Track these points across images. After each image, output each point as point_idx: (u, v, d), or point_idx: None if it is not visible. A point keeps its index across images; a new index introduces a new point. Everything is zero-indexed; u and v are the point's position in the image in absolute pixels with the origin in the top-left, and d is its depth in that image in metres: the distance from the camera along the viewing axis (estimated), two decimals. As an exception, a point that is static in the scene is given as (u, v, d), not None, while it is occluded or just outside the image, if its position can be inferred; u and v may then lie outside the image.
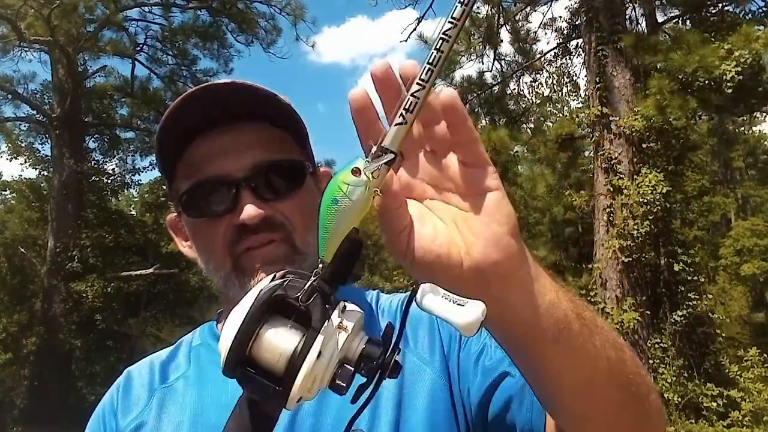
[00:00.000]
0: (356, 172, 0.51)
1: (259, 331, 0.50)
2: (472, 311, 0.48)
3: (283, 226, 0.85)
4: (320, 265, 0.51)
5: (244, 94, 0.86)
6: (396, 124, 0.52)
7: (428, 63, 0.52)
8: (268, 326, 0.50)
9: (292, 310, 0.50)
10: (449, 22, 0.52)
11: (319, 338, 0.49)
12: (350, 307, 0.53)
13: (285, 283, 0.52)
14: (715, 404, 8.19)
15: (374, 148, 0.52)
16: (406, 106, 0.52)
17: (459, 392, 0.85)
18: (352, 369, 0.50)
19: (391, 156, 0.52)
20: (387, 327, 0.52)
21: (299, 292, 0.50)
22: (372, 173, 0.51)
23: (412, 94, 0.51)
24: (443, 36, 0.52)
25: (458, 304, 0.49)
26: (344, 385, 0.49)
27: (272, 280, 0.53)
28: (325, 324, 0.49)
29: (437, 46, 0.52)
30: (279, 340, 0.50)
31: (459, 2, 0.52)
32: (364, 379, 0.51)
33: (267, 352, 0.50)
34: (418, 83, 0.51)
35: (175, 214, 0.95)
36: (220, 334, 0.94)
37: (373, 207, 0.53)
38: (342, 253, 0.52)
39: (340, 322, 0.50)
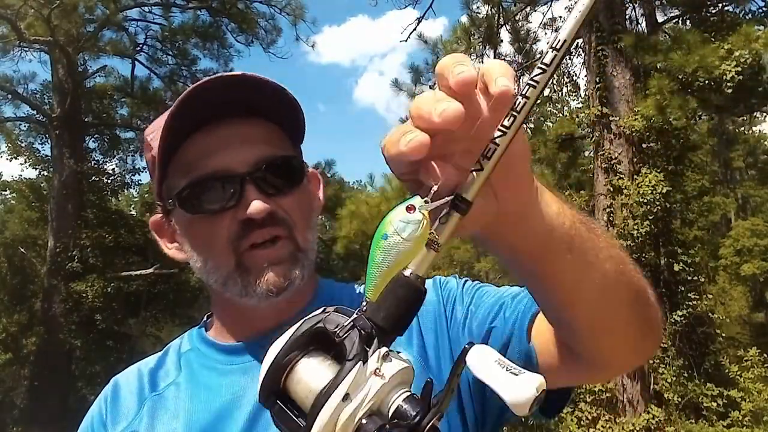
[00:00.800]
0: (411, 209, 0.47)
1: (296, 363, 0.48)
2: (526, 387, 0.43)
3: (285, 221, 0.84)
4: (364, 303, 0.48)
5: (250, 88, 0.83)
6: (473, 170, 0.49)
7: (512, 110, 0.48)
8: (306, 359, 0.48)
9: (334, 346, 0.48)
10: (539, 67, 0.48)
11: (348, 378, 0.45)
12: (396, 357, 0.47)
13: (327, 317, 0.49)
14: (715, 404, 8.19)
15: (435, 187, 0.48)
16: (486, 153, 0.48)
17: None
18: (380, 423, 0.44)
19: (462, 206, 0.48)
20: (426, 385, 0.47)
21: (340, 327, 0.47)
22: (428, 212, 0.47)
23: (492, 141, 0.48)
24: (531, 82, 0.48)
25: (512, 373, 0.44)
26: None
27: (322, 312, 0.50)
28: (358, 365, 0.45)
29: (524, 92, 0.48)
30: (312, 375, 0.47)
31: (551, 48, 0.48)
32: None
33: (299, 386, 0.48)
34: (500, 129, 0.48)
35: (160, 215, 0.92)
36: (211, 340, 0.93)
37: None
38: (399, 298, 0.48)
39: (377, 368, 0.46)
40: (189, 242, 0.88)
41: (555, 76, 0.49)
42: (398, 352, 0.48)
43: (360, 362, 0.45)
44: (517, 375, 0.44)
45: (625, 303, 0.67)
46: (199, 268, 0.87)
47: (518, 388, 0.43)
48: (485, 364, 0.46)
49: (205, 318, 1.00)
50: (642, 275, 0.70)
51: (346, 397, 0.45)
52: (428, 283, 0.95)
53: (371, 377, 0.45)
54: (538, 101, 0.50)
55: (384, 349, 0.47)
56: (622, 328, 0.69)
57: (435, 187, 0.48)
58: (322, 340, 0.48)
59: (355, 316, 0.47)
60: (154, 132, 0.87)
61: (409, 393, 0.46)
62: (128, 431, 0.87)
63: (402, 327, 0.49)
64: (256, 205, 0.80)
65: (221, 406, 0.83)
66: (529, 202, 0.58)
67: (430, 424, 0.44)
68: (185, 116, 0.81)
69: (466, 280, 0.94)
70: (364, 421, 0.44)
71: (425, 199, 0.48)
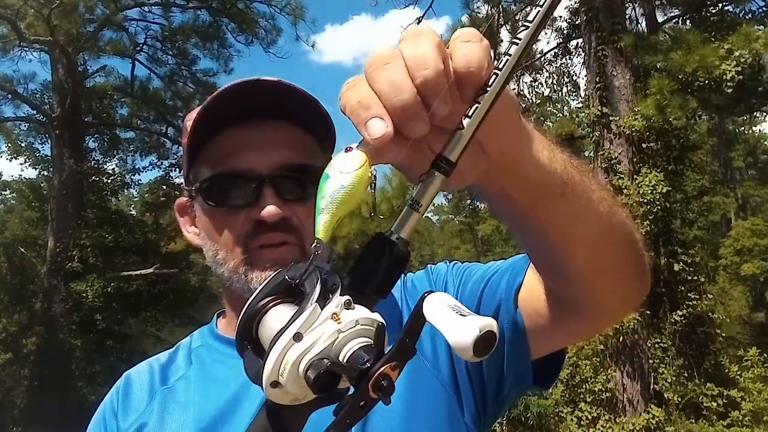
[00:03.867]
0: (349, 149, 0.47)
1: (267, 312, 0.49)
2: (469, 327, 0.41)
3: (297, 229, 0.86)
4: (314, 245, 0.47)
5: (285, 94, 0.86)
6: (456, 129, 0.48)
7: (495, 68, 0.48)
8: (277, 307, 0.50)
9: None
10: (523, 25, 0.48)
11: (300, 319, 0.45)
12: (361, 309, 0.46)
13: (293, 266, 0.50)
14: (715, 404, 8.19)
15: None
16: (468, 112, 0.48)
17: (451, 358, 0.86)
18: (328, 363, 0.43)
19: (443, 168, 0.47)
20: (378, 329, 0.47)
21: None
22: (366, 151, 0.46)
23: (475, 100, 0.48)
24: (514, 40, 0.48)
25: (460, 315, 0.43)
26: (312, 376, 0.43)
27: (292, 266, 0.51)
28: (312, 306, 0.45)
29: (506, 50, 0.48)
30: (276, 320, 0.48)
31: (537, 5, 0.48)
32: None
33: (265, 330, 0.49)
34: (484, 89, 0.48)
35: (186, 198, 0.95)
36: (221, 334, 0.95)
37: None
38: (372, 253, 0.48)
39: (335, 313, 0.45)
40: (204, 230, 0.91)
41: (538, 38, 0.48)
42: (370, 311, 0.47)
43: (315, 304, 0.45)
44: (465, 316, 0.43)
45: (618, 245, 0.69)
46: (210, 257, 0.90)
47: (461, 328, 0.42)
48: (438, 309, 0.44)
49: (215, 316, 1.02)
50: (631, 221, 0.71)
51: (298, 336, 0.44)
52: (420, 272, 0.97)
53: (327, 320, 0.45)
54: (521, 61, 0.49)
55: (345, 297, 0.46)
56: (614, 270, 0.70)
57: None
58: (295, 291, 0.49)
59: (311, 258, 0.47)
60: (191, 120, 0.90)
61: (368, 343, 0.45)
62: (139, 423, 0.89)
63: (378, 283, 0.47)
64: (270, 209, 0.83)
65: (230, 398, 0.85)
66: (519, 151, 0.57)
67: (380, 370, 0.43)
68: (217, 112, 0.84)
69: (455, 263, 0.96)
70: (314, 361, 0.44)
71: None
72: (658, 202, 7.97)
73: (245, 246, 0.85)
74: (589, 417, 7.82)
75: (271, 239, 0.84)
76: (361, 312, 0.46)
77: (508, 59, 0.48)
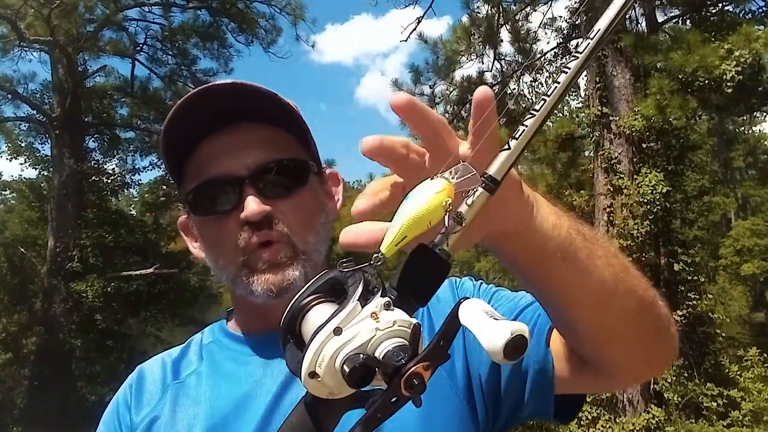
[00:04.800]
0: (432, 178, 0.49)
1: (310, 309, 0.51)
2: (501, 330, 0.42)
3: (283, 224, 0.87)
4: (375, 255, 0.49)
5: (246, 95, 0.87)
6: (503, 150, 0.50)
7: (543, 95, 0.50)
8: (320, 305, 0.52)
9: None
10: (573, 55, 0.50)
11: (342, 314, 0.47)
12: (401, 311, 0.48)
13: (343, 269, 0.51)
14: (715, 404, 8.19)
15: (463, 165, 0.49)
16: (514, 134, 0.50)
17: (467, 368, 0.86)
18: (364, 357, 0.45)
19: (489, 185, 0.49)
20: (414, 329, 0.48)
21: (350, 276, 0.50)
22: (454, 182, 0.48)
23: (521, 123, 0.50)
24: (564, 68, 0.50)
25: (493, 318, 0.45)
26: (348, 369, 0.45)
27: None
28: (354, 304, 0.47)
29: (555, 78, 0.50)
30: (319, 316, 0.50)
31: (587, 37, 0.50)
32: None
33: (307, 326, 0.51)
34: (531, 112, 0.50)
35: (185, 216, 0.97)
36: (232, 332, 0.97)
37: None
38: (415, 263, 0.50)
39: (374, 312, 0.47)
40: (202, 242, 0.94)
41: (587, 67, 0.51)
42: (409, 315, 0.49)
43: (356, 302, 0.47)
44: (497, 320, 0.44)
45: (627, 311, 0.68)
46: (213, 267, 0.92)
47: (493, 331, 0.43)
48: (474, 313, 0.46)
49: (226, 313, 1.04)
50: (649, 285, 0.71)
51: (338, 330, 0.46)
52: (444, 285, 0.97)
53: (366, 318, 0.47)
54: (569, 90, 0.51)
55: (386, 299, 0.48)
56: (625, 335, 0.70)
57: (463, 165, 0.49)
58: (339, 292, 0.51)
59: (364, 264, 0.49)
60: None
61: (404, 343, 0.47)
62: (151, 416, 0.90)
63: (418, 291, 0.50)
64: (251, 208, 0.84)
65: (241, 395, 0.86)
66: (521, 223, 0.60)
67: (413, 369, 0.45)
68: (180, 129, 0.87)
69: (481, 282, 0.96)
70: (350, 355, 0.46)
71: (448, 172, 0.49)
72: (658, 202, 7.97)
73: (243, 249, 0.86)
74: (589, 417, 7.82)
75: (259, 237, 0.85)
76: (399, 314, 0.48)
77: (556, 86, 0.51)
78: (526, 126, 0.50)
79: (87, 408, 12.48)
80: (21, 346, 13.22)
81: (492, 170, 0.50)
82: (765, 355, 9.04)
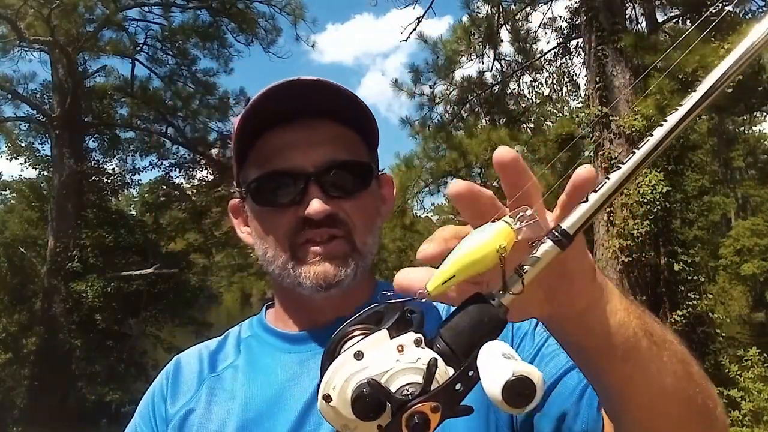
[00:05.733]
0: (494, 220, 0.47)
1: (353, 336, 0.50)
2: (502, 371, 0.39)
3: (345, 224, 0.87)
4: (419, 291, 0.47)
5: (325, 92, 0.87)
6: (582, 202, 0.48)
7: (618, 162, 0.51)
8: (360, 336, 0.50)
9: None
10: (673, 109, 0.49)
11: (368, 340, 0.46)
12: (431, 349, 0.46)
13: (392, 303, 0.50)
14: (715, 404, 8.17)
15: (530, 212, 0.47)
16: (596, 187, 0.48)
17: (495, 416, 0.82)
18: (373, 385, 0.43)
19: (560, 239, 0.47)
20: (429, 367, 0.46)
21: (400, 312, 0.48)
22: (515, 227, 0.46)
23: (605, 175, 0.48)
24: (650, 134, 0.49)
25: (504, 358, 0.41)
26: (354, 395, 0.43)
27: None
28: (383, 333, 0.46)
29: (653, 132, 0.49)
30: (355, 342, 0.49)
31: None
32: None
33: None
34: (616, 165, 0.49)
35: (239, 200, 0.98)
36: (271, 327, 0.97)
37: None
38: (468, 314, 0.47)
39: (401, 345, 0.45)
40: (254, 230, 0.93)
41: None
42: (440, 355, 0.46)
43: (385, 331, 0.46)
44: (507, 359, 0.41)
45: (680, 418, 0.66)
46: (261, 256, 0.92)
47: (495, 371, 0.39)
48: (490, 355, 0.43)
49: (263, 307, 1.03)
50: (712, 392, 0.68)
51: (358, 355, 0.45)
52: None
53: (391, 349, 0.45)
54: (662, 146, 0.48)
55: (418, 335, 0.46)
56: None
57: (530, 212, 0.47)
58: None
59: (406, 299, 0.48)
60: (236, 124, 0.92)
61: (421, 381, 0.44)
62: (186, 408, 0.90)
63: (462, 340, 0.46)
64: (315, 206, 0.84)
65: (277, 392, 0.86)
66: (589, 309, 0.58)
67: (417, 406, 0.42)
68: (259, 115, 0.87)
69: (538, 323, 0.91)
70: (363, 381, 0.44)
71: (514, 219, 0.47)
72: (658, 202, 7.97)
73: (292, 243, 0.87)
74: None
75: (317, 235, 0.85)
76: (427, 353, 0.45)
77: (647, 140, 0.49)
78: (608, 179, 0.47)
79: (87, 408, 12.48)
80: (21, 346, 13.22)
81: (566, 224, 0.47)
82: (765, 355, 9.03)
